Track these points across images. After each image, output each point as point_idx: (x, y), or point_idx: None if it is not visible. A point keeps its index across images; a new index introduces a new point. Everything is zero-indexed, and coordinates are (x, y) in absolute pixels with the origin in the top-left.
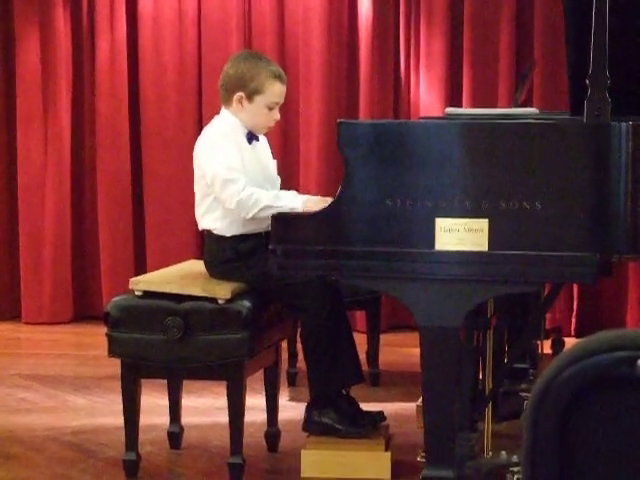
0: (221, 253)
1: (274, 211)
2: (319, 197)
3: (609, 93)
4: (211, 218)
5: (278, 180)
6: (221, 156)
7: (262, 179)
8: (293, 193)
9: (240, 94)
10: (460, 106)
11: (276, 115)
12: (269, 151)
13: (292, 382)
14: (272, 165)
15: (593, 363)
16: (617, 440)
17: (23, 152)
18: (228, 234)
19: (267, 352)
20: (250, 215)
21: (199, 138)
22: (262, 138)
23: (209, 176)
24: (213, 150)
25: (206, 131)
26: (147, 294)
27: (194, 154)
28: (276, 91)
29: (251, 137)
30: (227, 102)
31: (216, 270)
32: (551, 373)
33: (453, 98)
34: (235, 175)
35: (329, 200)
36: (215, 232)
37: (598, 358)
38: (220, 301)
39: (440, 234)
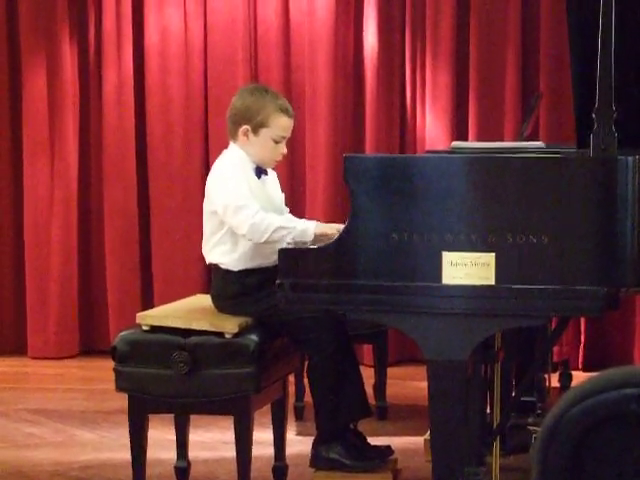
0: (228, 287)
1: (286, 232)
2: (330, 225)
3: (615, 126)
4: (219, 252)
5: (286, 211)
6: (232, 185)
7: (267, 209)
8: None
9: (246, 127)
10: (466, 139)
11: (283, 149)
12: (278, 185)
13: (299, 416)
14: (280, 198)
15: (602, 400)
16: (626, 475)
17: (29, 185)
18: (235, 269)
19: (274, 386)
20: (264, 239)
21: (210, 173)
22: (271, 172)
23: (220, 206)
24: (223, 181)
25: (216, 166)
26: (154, 328)
27: (206, 189)
28: (282, 124)
29: (259, 171)
30: (234, 135)
31: (223, 304)
32: (560, 410)
33: (459, 131)
34: (246, 201)
35: (340, 227)
36: (222, 266)
37: (607, 395)
38: (227, 335)
39: (447, 268)
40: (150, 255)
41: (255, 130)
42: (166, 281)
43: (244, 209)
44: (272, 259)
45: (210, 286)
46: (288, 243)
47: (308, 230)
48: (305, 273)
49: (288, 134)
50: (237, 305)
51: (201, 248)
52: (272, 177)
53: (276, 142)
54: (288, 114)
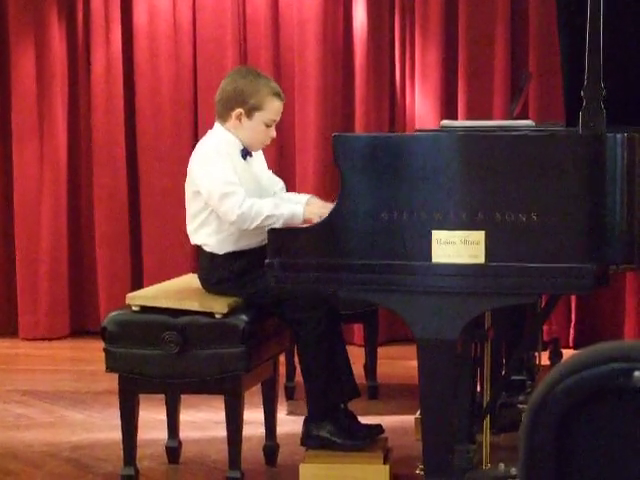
0: (215, 272)
1: (275, 220)
2: (322, 203)
3: (604, 104)
4: (204, 233)
5: (281, 183)
6: (217, 171)
7: (257, 194)
8: (296, 197)
9: (239, 110)
10: (455, 118)
11: (272, 132)
12: (264, 164)
13: (290, 396)
14: (267, 178)
15: (590, 375)
16: (614, 451)
17: (19, 167)
18: (221, 252)
19: (265, 366)
20: (253, 226)
21: (193, 154)
22: (258, 153)
23: (205, 191)
24: (208, 166)
25: (200, 147)
26: (144, 309)
27: (188, 170)
28: (275, 108)
29: (245, 153)
30: (224, 118)
31: (211, 288)
32: (548, 385)
33: (448, 110)
34: (233, 188)
35: (329, 206)
36: (207, 249)
37: (595, 370)
38: (217, 315)
39: (437, 246)
40: (140, 236)
41: (249, 113)
42: (156, 262)
43: (231, 196)
44: (258, 239)
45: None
46: None
47: (297, 215)
48: (295, 252)
49: (279, 118)
50: (225, 289)
51: None
52: (257, 157)
53: (267, 126)
54: (280, 98)
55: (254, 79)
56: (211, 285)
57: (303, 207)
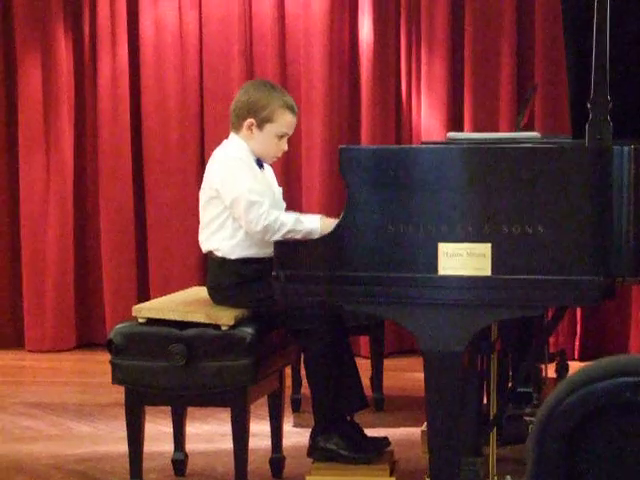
0: (224, 278)
1: (296, 234)
2: (334, 220)
3: (610, 116)
4: (219, 237)
5: (283, 205)
6: (242, 178)
7: (273, 205)
8: (313, 216)
9: (251, 120)
10: (461, 130)
11: (284, 145)
12: (275, 179)
13: (296, 408)
14: (278, 192)
15: (597, 389)
16: (622, 465)
17: (25, 179)
18: (232, 256)
19: (271, 378)
20: (274, 238)
21: (211, 162)
22: (267, 167)
23: (229, 198)
24: (233, 172)
25: (219, 154)
26: (150, 321)
27: (207, 176)
28: (287, 121)
29: (259, 164)
30: (237, 128)
31: (219, 295)
32: (555, 399)
33: (454, 122)
34: (258, 198)
35: None
36: (219, 254)
37: (602, 384)
38: (223, 327)
39: (443, 259)
40: (146, 248)
41: (260, 125)
42: (162, 274)
43: (256, 206)
44: (269, 250)
45: (206, 278)
46: None
47: (315, 231)
48: (301, 265)
49: (291, 131)
50: (234, 296)
51: (197, 241)
52: (269, 172)
53: (279, 138)
54: (293, 111)
55: (267, 91)
56: (220, 291)
57: (319, 224)
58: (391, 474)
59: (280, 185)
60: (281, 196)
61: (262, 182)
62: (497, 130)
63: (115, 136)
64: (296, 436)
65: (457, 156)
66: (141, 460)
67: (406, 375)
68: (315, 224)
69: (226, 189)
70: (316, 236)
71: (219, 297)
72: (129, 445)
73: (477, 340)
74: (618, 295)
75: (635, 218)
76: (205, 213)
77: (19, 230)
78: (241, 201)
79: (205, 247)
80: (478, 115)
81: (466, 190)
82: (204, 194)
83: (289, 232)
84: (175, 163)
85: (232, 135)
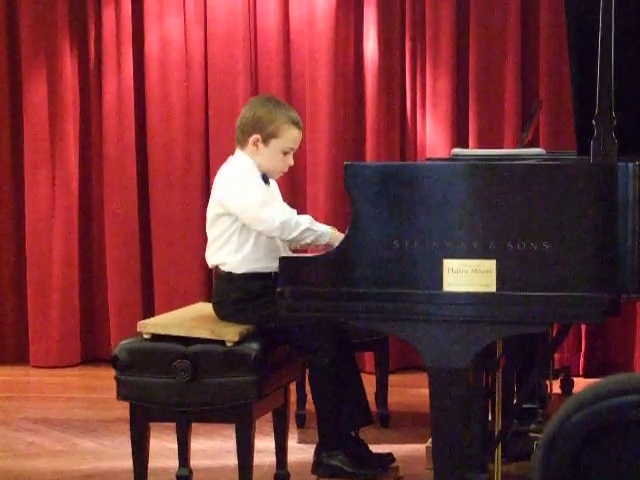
0: (231, 293)
1: (311, 234)
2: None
3: (615, 133)
4: (224, 252)
5: None
6: (252, 188)
7: None
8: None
9: (256, 136)
10: (466, 146)
11: (290, 161)
12: (280, 195)
13: (301, 424)
14: None
15: (603, 407)
16: None
17: (30, 195)
18: (238, 271)
19: (276, 394)
20: (292, 236)
21: (218, 178)
22: (273, 183)
23: (240, 206)
24: (240, 183)
25: (226, 170)
26: (155, 337)
27: (214, 192)
28: (292, 137)
29: (265, 179)
30: (242, 143)
31: (224, 310)
32: (561, 417)
33: (459, 138)
34: (269, 199)
35: None
36: (225, 268)
37: (608, 402)
38: (228, 344)
39: (448, 275)
40: (151, 264)
41: (265, 140)
42: (167, 290)
43: (269, 206)
44: (275, 265)
45: (211, 294)
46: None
47: (325, 236)
48: (305, 281)
49: (297, 146)
50: (239, 311)
51: (202, 256)
52: (275, 188)
53: (284, 153)
54: (298, 127)
55: (273, 107)
56: (226, 306)
57: (330, 232)
58: None
59: (285, 201)
60: None
61: (268, 197)
62: (502, 146)
63: (120, 152)
64: (301, 452)
65: (462, 172)
66: (146, 476)
67: (411, 391)
68: (326, 228)
69: (234, 199)
70: (326, 241)
71: (224, 312)
72: (134, 461)
73: (482, 356)
74: (623, 311)
75: (639, 234)
76: (212, 230)
77: (24, 244)
78: (253, 204)
79: (211, 262)
80: (483, 131)
81: (471, 206)
82: (211, 211)
83: (306, 230)
84: (180, 179)
85: (238, 151)
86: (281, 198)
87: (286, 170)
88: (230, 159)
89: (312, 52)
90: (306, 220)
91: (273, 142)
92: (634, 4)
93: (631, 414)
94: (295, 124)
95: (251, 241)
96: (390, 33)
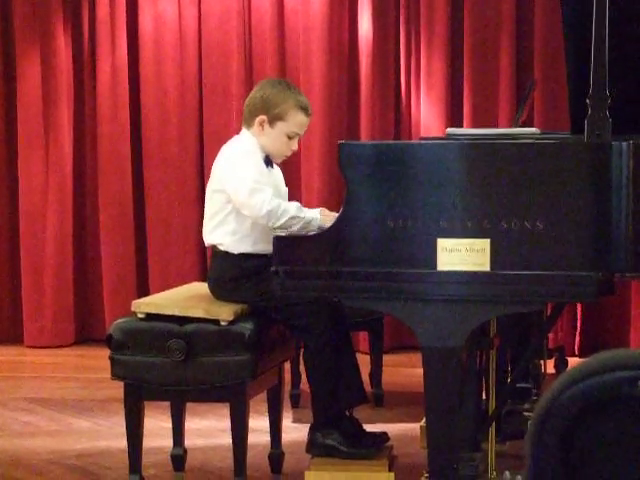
0: (226, 271)
1: (298, 221)
2: (334, 213)
3: (609, 112)
4: (222, 232)
5: None
6: (246, 169)
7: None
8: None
9: (263, 117)
10: (461, 126)
11: (294, 145)
12: (283, 181)
13: (295, 403)
14: (284, 192)
15: (594, 383)
16: (619, 460)
17: (25, 176)
18: (235, 251)
19: (270, 373)
20: (278, 224)
21: (219, 156)
22: (276, 167)
23: (232, 187)
24: (236, 165)
25: (227, 149)
26: (149, 316)
27: (214, 169)
28: (299, 121)
29: (268, 162)
30: (249, 123)
31: (220, 289)
32: (552, 394)
33: (454, 118)
34: (261, 186)
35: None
36: (222, 248)
37: (599, 378)
38: (223, 323)
39: (442, 254)
40: (145, 243)
41: (271, 122)
42: (161, 269)
43: (260, 192)
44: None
45: (206, 273)
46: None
47: (314, 222)
48: (300, 260)
49: (302, 132)
50: (234, 289)
51: (196, 236)
52: (277, 172)
53: (289, 138)
54: (306, 112)
55: (282, 90)
56: (222, 284)
57: (319, 215)
58: (390, 469)
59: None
60: (287, 197)
61: (268, 179)
62: (496, 126)
63: (114, 131)
64: (295, 431)
65: (456, 152)
66: (140, 455)
67: (405, 371)
68: (315, 214)
69: (229, 178)
70: (316, 227)
71: (219, 290)
72: (128, 440)
73: (476, 335)
74: (617, 291)
75: (634, 213)
76: (209, 204)
77: (18, 225)
78: (243, 189)
79: (208, 240)
80: (477, 111)
81: (465, 186)
82: (209, 187)
83: (292, 218)
84: (174, 158)
85: (243, 130)
86: (283, 182)
87: (289, 154)
88: (235, 137)
89: (306, 31)
90: (293, 207)
91: (279, 124)
92: None
93: (622, 390)
94: (303, 109)
95: (248, 223)
96: (385, 13)
